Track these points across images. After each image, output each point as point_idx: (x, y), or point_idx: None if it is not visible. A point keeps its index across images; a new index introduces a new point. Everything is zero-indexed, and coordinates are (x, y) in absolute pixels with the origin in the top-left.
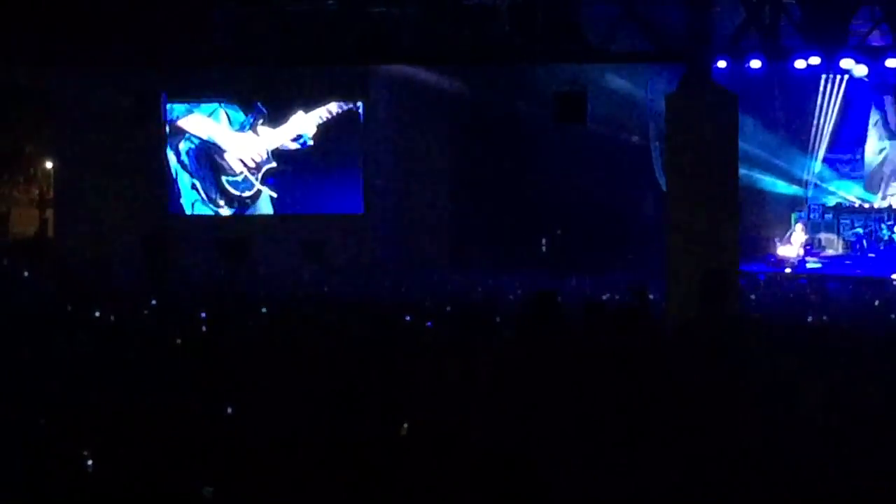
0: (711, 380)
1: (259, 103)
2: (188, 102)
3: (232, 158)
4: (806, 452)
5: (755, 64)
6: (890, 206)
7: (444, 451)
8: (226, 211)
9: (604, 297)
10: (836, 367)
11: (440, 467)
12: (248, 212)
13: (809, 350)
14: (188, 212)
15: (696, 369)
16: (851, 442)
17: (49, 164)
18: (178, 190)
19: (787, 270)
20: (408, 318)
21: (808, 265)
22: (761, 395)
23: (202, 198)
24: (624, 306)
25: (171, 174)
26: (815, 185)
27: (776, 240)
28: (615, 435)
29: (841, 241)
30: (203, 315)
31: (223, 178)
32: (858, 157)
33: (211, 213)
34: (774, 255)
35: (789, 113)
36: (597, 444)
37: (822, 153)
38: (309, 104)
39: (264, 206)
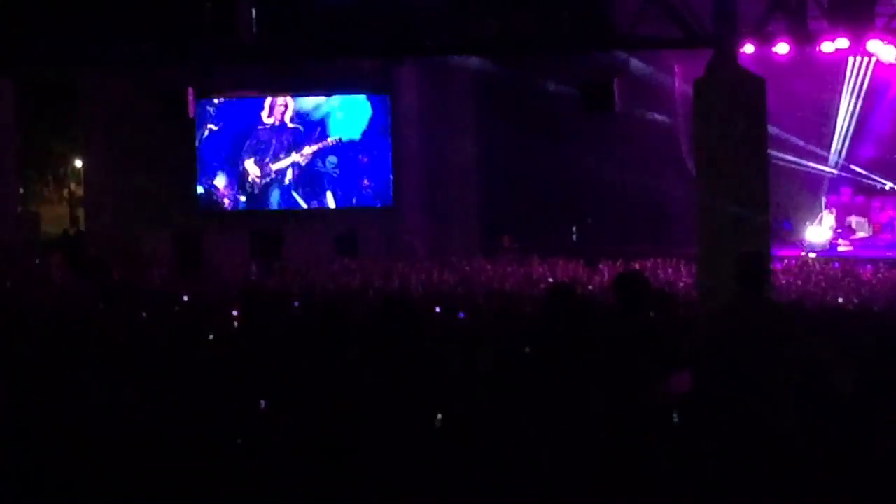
0: (749, 368)
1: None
2: (216, 98)
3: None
4: (842, 435)
5: (782, 48)
6: None
7: (476, 442)
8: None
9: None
10: (869, 350)
11: (474, 459)
12: (270, 200)
13: (841, 333)
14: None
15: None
16: (886, 424)
17: (79, 163)
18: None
19: (813, 254)
20: (438, 309)
21: (839, 248)
22: (797, 378)
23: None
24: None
25: (205, 168)
26: (846, 167)
27: (807, 223)
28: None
29: (871, 224)
30: (235, 311)
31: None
32: (889, 139)
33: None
34: (805, 239)
35: (818, 96)
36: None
37: (851, 136)
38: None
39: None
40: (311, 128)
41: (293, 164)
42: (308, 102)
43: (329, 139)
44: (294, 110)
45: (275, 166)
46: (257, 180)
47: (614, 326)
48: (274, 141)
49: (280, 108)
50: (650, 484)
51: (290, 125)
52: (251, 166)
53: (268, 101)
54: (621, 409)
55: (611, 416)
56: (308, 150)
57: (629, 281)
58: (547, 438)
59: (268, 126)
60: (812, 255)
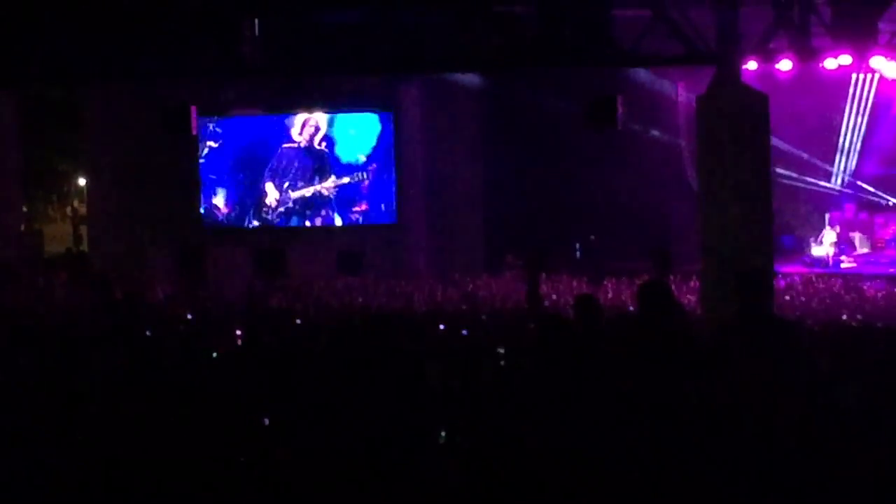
0: (751, 381)
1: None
2: (215, 116)
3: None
4: (845, 452)
5: (785, 64)
6: None
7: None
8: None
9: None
10: (873, 368)
11: (478, 475)
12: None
13: (845, 350)
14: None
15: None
16: (890, 440)
17: (82, 181)
18: (212, 200)
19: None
20: (442, 326)
21: (843, 265)
22: (800, 396)
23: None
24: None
25: (205, 186)
26: (849, 184)
27: (810, 240)
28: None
29: (873, 241)
30: (238, 329)
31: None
32: (893, 155)
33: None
34: (809, 256)
35: (821, 113)
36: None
37: (855, 152)
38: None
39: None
40: (333, 150)
41: (314, 193)
42: (331, 121)
43: (360, 174)
44: (324, 134)
45: (295, 194)
46: (273, 204)
47: (638, 337)
48: (296, 164)
49: (310, 130)
50: (657, 497)
51: (318, 147)
52: (271, 190)
53: (299, 119)
54: (645, 419)
55: (632, 426)
56: (332, 181)
57: (651, 291)
58: (556, 453)
59: (294, 145)
60: (815, 271)
